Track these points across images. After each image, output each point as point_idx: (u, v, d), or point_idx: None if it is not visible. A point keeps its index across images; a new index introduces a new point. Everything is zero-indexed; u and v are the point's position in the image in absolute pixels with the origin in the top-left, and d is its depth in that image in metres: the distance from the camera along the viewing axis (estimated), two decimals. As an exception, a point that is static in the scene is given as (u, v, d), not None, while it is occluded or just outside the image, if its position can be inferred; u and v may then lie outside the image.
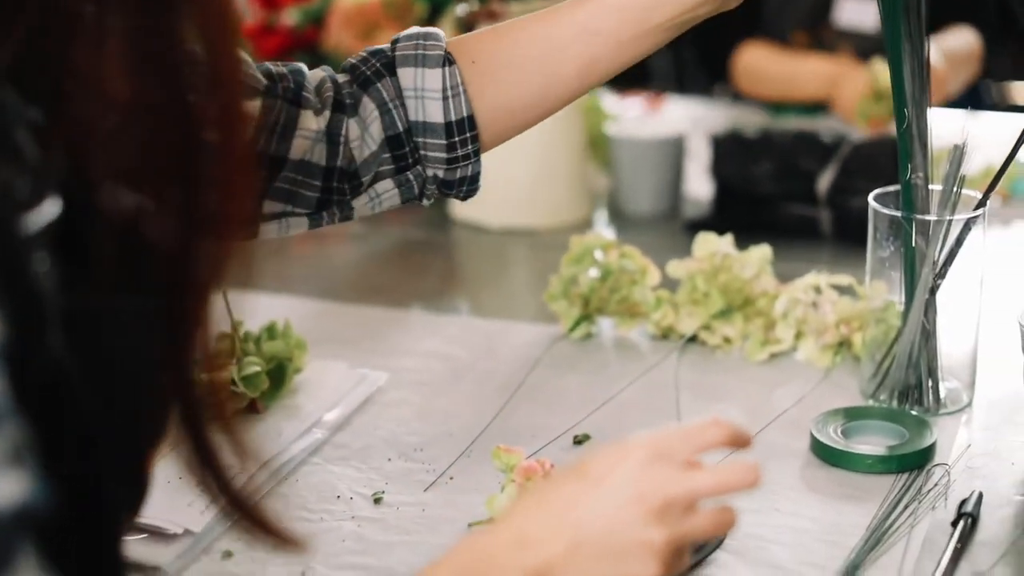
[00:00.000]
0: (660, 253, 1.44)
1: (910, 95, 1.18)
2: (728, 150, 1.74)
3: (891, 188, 1.22)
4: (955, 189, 1.17)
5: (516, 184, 1.79)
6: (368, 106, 1.09)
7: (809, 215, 1.70)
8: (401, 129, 1.09)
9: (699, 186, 1.85)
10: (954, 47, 2.14)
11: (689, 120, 2.18)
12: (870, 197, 1.22)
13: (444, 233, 1.83)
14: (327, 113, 1.09)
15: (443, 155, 1.10)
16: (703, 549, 1.01)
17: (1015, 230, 1.79)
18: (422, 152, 1.10)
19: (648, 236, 1.77)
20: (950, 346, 1.24)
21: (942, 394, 1.23)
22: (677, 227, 1.77)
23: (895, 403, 1.23)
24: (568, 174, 1.81)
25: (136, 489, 0.71)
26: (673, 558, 0.79)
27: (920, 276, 1.19)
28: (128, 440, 0.67)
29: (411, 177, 1.11)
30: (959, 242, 1.19)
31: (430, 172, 1.11)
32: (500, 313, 1.52)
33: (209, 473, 0.71)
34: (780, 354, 1.36)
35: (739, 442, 0.84)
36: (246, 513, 0.73)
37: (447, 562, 0.78)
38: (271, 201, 1.09)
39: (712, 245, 1.38)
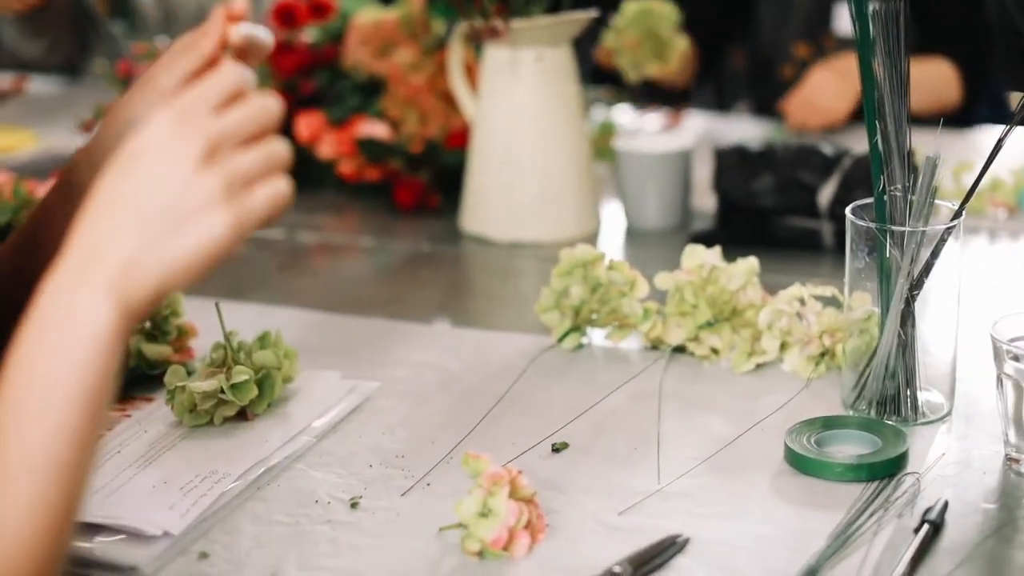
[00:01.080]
0: (666, 267, 1.45)
1: (889, 110, 1.19)
2: (730, 164, 1.75)
3: (870, 200, 1.23)
4: (928, 200, 1.18)
5: (523, 199, 1.81)
6: None
7: (811, 228, 1.71)
8: None
9: (707, 200, 1.87)
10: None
11: (704, 136, 2.21)
12: (847, 209, 1.23)
13: (453, 247, 1.86)
14: None
15: None
16: (664, 554, 1.03)
17: (1023, 243, 1.79)
18: None
19: (654, 250, 1.79)
20: (931, 356, 1.25)
21: (920, 404, 1.24)
22: (684, 241, 1.79)
23: (873, 413, 1.24)
24: (575, 189, 1.83)
25: None
26: (239, 200, 0.79)
27: (895, 287, 1.20)
28: None
29: None
30: (934, 253, 1.20)
31: None
32: (500, 325, 1.54)
33: None
34: (766, 365, 1.37)
35: (232, 17, 0.88)
36: None
37: (27, 320, 0.76)
38: None
39: (700, 257, 1.39)
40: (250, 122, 0.81)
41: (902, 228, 1.19)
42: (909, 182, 1.20)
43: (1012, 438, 1.15)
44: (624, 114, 2.43)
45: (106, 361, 0.76)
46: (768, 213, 1.73)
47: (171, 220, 0.77)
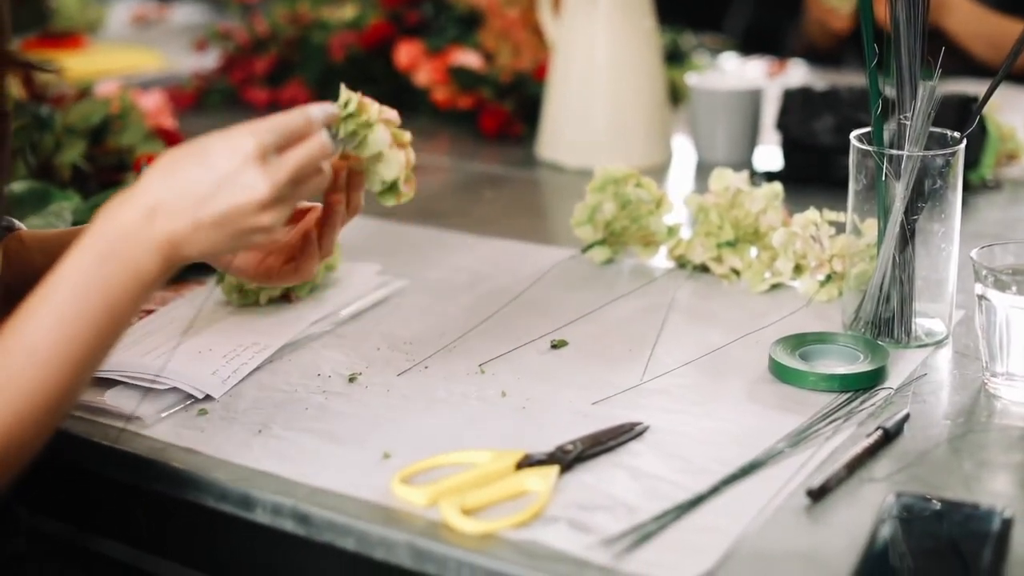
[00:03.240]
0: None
1: (904, 42, 1.22)
2: (794, 103, 1.78)
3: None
4: (924, 126, 1.21)
5: (596, 128, 1.87)
6: None
7: (869, 168, 1.73)
8: None
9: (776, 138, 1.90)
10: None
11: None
12: (852, 135, 1.27)
13: (526, 171, 1.93)
14: None
15: None
16: (619, 438, 1.08)
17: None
18: None
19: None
20: (930, 281, 1.27)
21: (915, 328, 1.27)
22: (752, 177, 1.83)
23: (869, 334, 1.27)
24: (646, 121, 1.88)
25: None
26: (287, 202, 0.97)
27: (892, 212, 1.23)
28: None
29: None
30: (932, 178, 1.23)
31: None
32: (546, 241, 1.60)
33: None
34: (781, 287, 1.41)
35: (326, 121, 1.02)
36: None
37: (88, 241, 0.92)
38: None
39: (727, 180, 1.44)
40: (311, 164, 0.99)
41: (901, 152, 1.22)
42: (913, 111, 1.22)
43: (986, 358, 1.17)
44: (728, 61, 2.47)
45: (141, 299, 0.94)
46: (828, 152, 1.76)
47: (223, 230, 0.95)
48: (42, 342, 0.90)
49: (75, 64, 2.48)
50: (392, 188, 1.11)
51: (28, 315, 0.91)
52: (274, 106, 2.25)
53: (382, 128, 1.08)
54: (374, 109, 1.08)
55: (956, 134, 1.24)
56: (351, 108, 1.06)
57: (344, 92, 1.07)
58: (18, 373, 0.89)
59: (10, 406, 0.88)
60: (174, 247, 0.94)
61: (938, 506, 0.97)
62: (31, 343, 0.90)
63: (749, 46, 2.85)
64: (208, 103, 2.26)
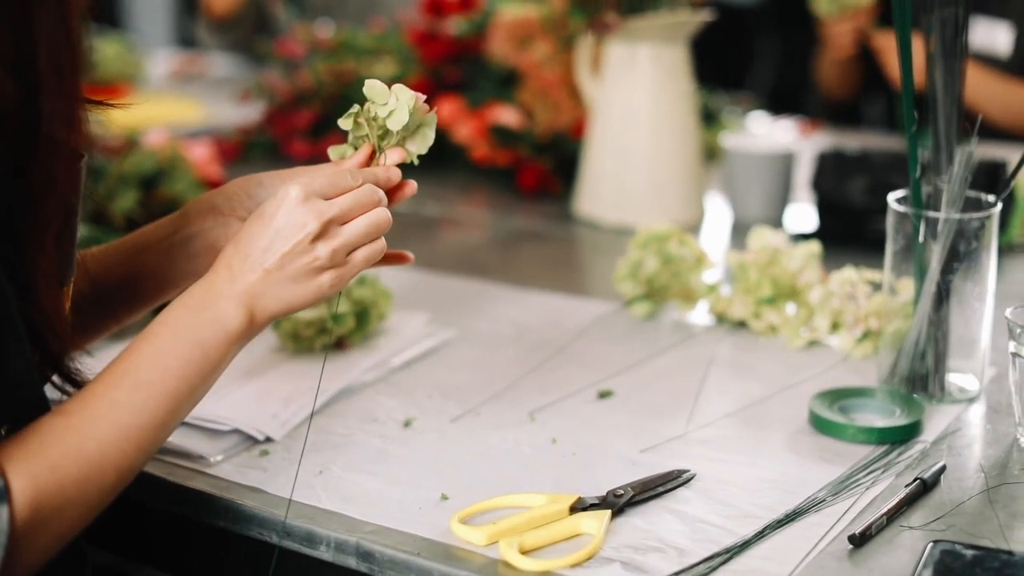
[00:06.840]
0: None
1: (941, 109, 1.27)
2: (828, 165, 1.84)
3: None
4: (960, 190, 1.26)
5: (633, 186, 1.93)
6: None
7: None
8: None
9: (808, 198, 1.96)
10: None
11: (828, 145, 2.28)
12: (890, 196, 1.32)
13: (564, 227, 1.98)
14: None
15: None
16: (667, 484, 1.13)
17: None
18: None
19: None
20: (964, 339, 1.32)
21: (948, 384, 1.31)
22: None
23: (904, 390, 1.32)
24: (682, 180, 1.94)
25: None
26: (341, 266, 1.06)
27: (928, 271, 1.28)
28: None
29: None
30: (968, 240, 1.27)
31: None
32: (587, 295, 1.65)
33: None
34: (819, 344, 1.46)
35: (381, 182, 1.10)
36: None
37: (183, 296, 1.03)
38: None
39: (765, 239, 1.49)
40: (359, 207, 1.07)
41: (936, 215, 1.27)
42: (950, 174, 1.27)
43: (1019, 414, 1.22)
44: (758, 121, 2.52)
45: (229, 348, 1.03)
46: (861, 213, 1.81)
47: (284, 273, 1.04)
48: (143, 370, 0.99)
49: (119, 114, 2.54)
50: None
51: (131, 350, 1.00)
52: (315, 159, 2.29)
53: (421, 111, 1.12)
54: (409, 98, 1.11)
55: (991, 197, 1.29)
56: (403, 118, 1.10)
57: (393, 92, 1.10)
58: (126, 395, 0.97)
59: (120, 424, 0.96)
60: (253, 298, 1.03)
61: (975, 554, 1.01)
62: (135, 370, 0.98)
63: (775, 105, 2.91)
64: (251, 155, 2.32)
